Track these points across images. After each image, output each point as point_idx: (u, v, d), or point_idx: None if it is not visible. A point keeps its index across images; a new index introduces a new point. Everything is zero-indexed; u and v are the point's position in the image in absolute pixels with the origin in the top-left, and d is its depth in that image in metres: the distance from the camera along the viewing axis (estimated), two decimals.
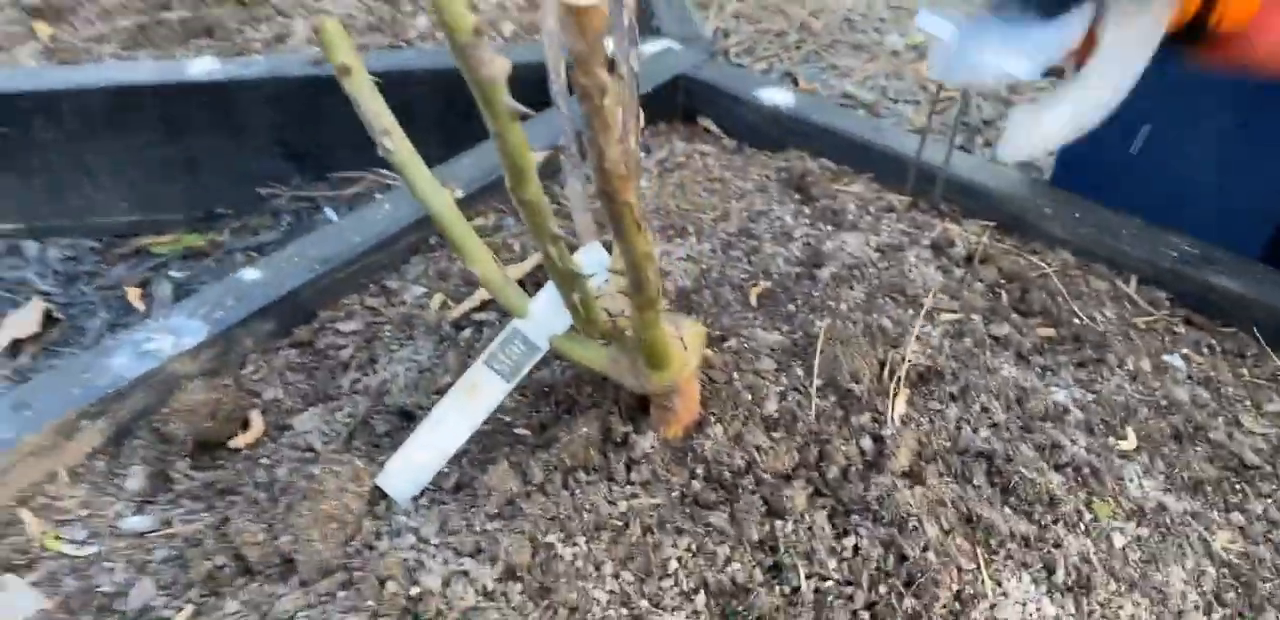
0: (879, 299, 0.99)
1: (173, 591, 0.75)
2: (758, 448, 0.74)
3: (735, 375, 0.81)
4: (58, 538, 0.82)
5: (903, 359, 0.83)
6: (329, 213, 1.45)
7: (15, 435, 0.83)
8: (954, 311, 0.99)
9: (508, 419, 0.83)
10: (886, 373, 0.84)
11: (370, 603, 0.66)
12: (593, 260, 0.74)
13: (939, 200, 1.20)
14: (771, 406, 0.78)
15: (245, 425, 0.89)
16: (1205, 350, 1.02)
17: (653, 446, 0.74)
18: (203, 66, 1.37)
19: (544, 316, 0.73)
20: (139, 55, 1.47)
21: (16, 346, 1.28)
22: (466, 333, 1.01)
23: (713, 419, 0.76)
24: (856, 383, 0.81)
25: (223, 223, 1.48)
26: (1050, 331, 1.01)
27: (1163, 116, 1.15)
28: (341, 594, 0.68)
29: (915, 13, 1.19)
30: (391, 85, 1.46)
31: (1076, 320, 1.02)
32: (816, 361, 0.82)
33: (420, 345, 0.99)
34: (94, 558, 0.80)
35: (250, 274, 1.00)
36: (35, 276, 1.39)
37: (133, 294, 1.36)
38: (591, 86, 0.43)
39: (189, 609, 0.73)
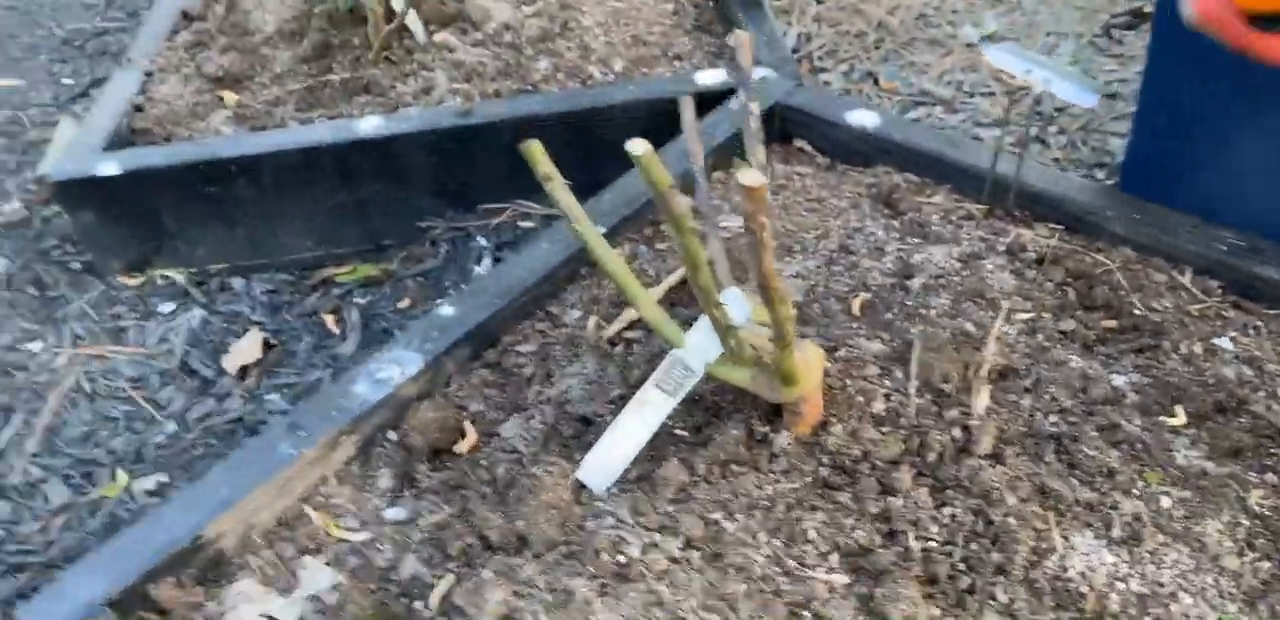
0: (963, 304, 1.19)
1: (434, 564, 1.01)
2: (870, 440, 0.96)
3: (848, 381, 1.02)
4: (337, 527, 1.08)
5: (983, 361, 1.02)
6: (480, 240, 1.70)
7: (296, 451, 1.09)
8: (1027, 311, 1.18)
9: (669, 422, 1.06)
10: (971, 372, 1.04)
11: (590, 568, 0.90)
12: (732, 300, 0.96)
13: (1012, 207, 1.38)
14: (879, 406, 0.99)
15: (463, 434, 1.13)
16: (1252, 332, 1.19)
17: (788, 443, 0.96)
18: (370, 123, 1.62)
19: (699, 346, 0.95)
20: (313, 115, 1.72)
21: (244, 371, 1.56)
22: (620, 348, 1.24)
23: (833, 419, 0.98)
24: (946, 383, 1.02)
25: (390, 253, 1.74)
26: (1113, 322, 1.19)
27: (1226, 119, 1.29)
28: (567, 562, 0.92)
29: (987, 5, 1.35)
30: (527, 129, 1.69)
31: (1136, 311, 1.20)
32: (914, 367, 1.02)
33: (585, 361, 1.22)
34: (367, 542, 1.06)
35: (446, 310, 1.25)
36: (247, 309, 1.67)
37: (329, 320, 1.63)
38: (756, 227, 0.64)
39: (450, 577, 0.98)
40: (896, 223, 1.37)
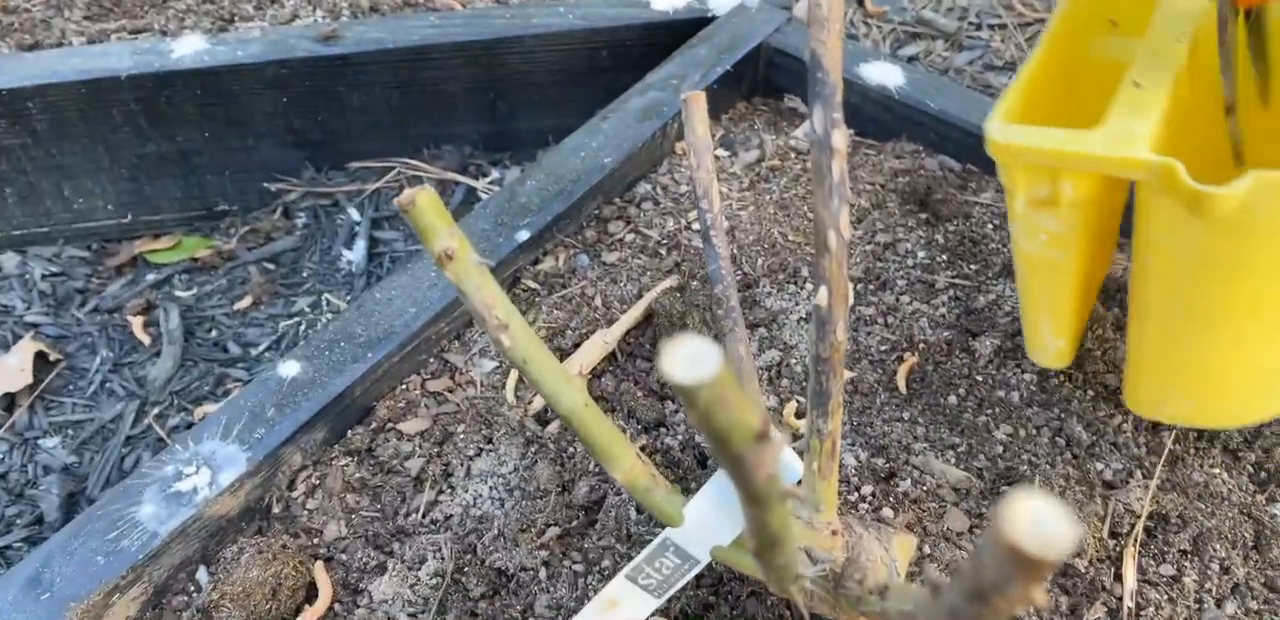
0: (1054, 379, 0.82)
1: None
2: None
3: (927, 548, 0.65)
4: None
5: (1136, 520, 0.66)
6: (351, 212, 1.25)
7: None
8: None
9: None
10: (1106, 529, 0.68)
11: None
12: (785, 463, 0.57)
13: None
14: None
15: (311, 594, 0.73)
16: None
17: None
18: (188, 47, 1.13)
19: (703, 523, 0.56)
20: (109, 26, 1.21)
21: (10, 401, 1.11)
22: (553, 429, 0.84)
23: None
24: (1078, 555, 0.65)
25: (228, 223, 1.28)
26: None
27: None
28: None
29: None
30: (414, 62, 1.22)
31: None
32: None
33: (503, 452, 0.82)
34: None
35: (289, 369, 0.82)
36: (20, 302, 1.20)
37: (136, 324, 1.17)
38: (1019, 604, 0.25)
39: None
40: (939, 236, 0.98)
